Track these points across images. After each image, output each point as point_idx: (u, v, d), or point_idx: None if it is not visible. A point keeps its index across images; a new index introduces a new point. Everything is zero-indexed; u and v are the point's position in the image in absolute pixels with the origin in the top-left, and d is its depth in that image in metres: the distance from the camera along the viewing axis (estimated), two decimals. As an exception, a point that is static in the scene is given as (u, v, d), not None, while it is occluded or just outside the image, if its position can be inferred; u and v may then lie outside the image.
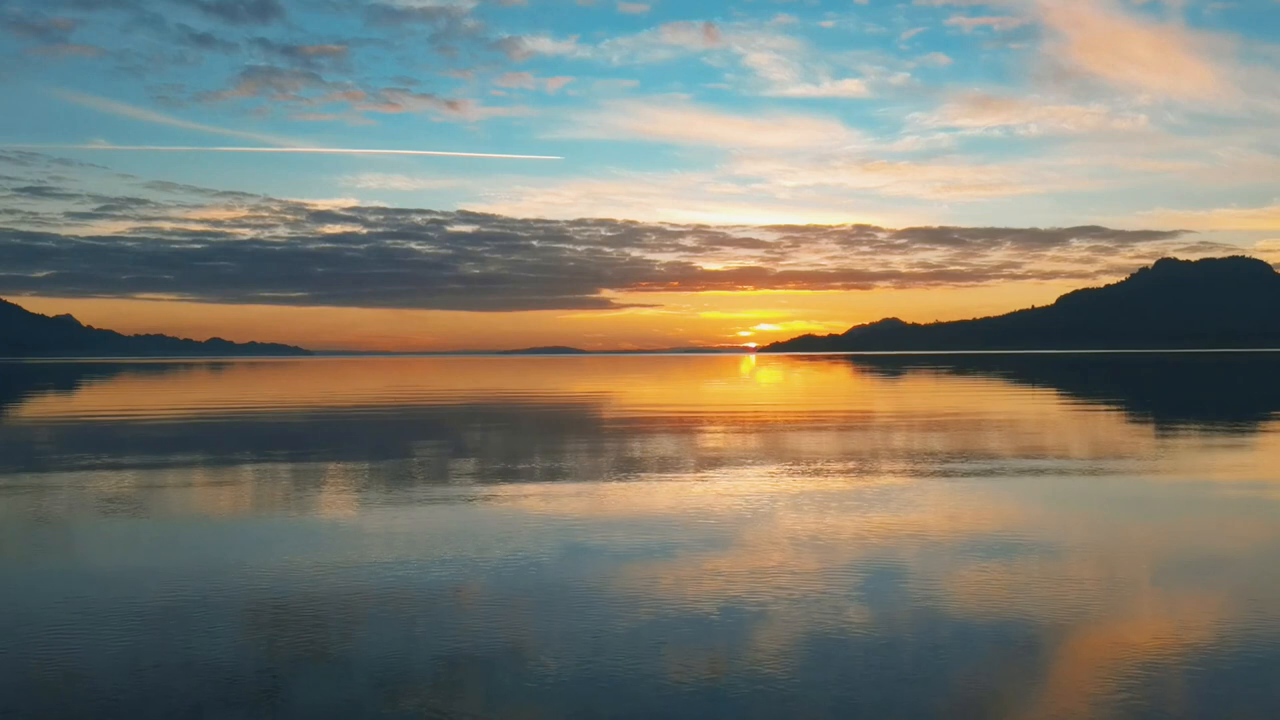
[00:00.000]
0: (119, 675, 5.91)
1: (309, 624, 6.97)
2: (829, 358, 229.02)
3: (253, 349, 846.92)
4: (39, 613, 7.32)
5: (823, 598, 7.52)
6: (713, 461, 16.46)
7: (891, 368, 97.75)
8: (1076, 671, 5.87)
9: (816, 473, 14.79)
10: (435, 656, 6.25)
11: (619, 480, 14.18)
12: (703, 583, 8.03)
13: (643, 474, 14.86)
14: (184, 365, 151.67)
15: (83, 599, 7.68)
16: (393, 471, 15.49)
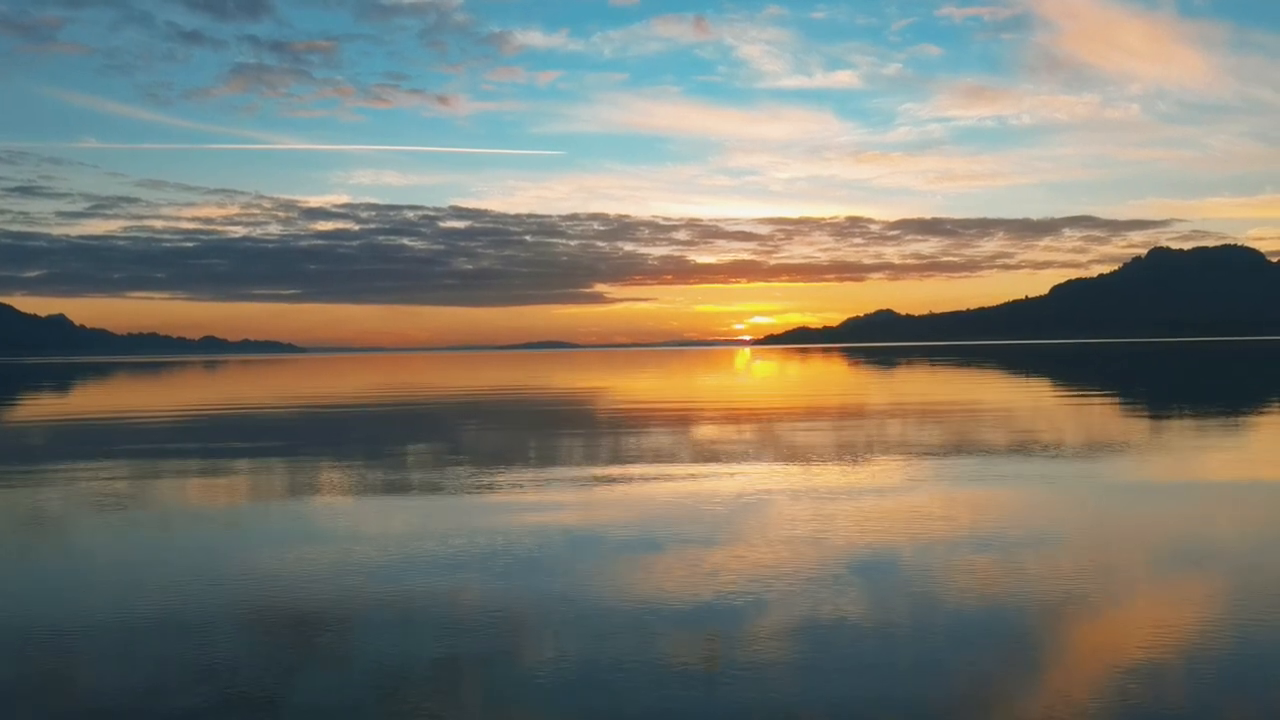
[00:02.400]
0: (119, 675, 5.87)
1: (308, 621, 6.92)
2: (824, 350, 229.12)
3: (246, 347, 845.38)
4: (37, 613, 7.27)
5: (822, 590, 7.49)
6: (711, 455, 16.42)
7: (887, 360, 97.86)
8: (1075, 661, 5.85)
9: (816, 466, 14.76)
10: (435, 653, 6.22)
11: (618, 475, 14.14)
12: (702, 575, 7.99)
13: (642, 469, 14.82)
14: (178, 364, 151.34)
15: (81, 599, 7.63)
16: (391, 469, 15.43)
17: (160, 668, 6.00)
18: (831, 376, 56.90)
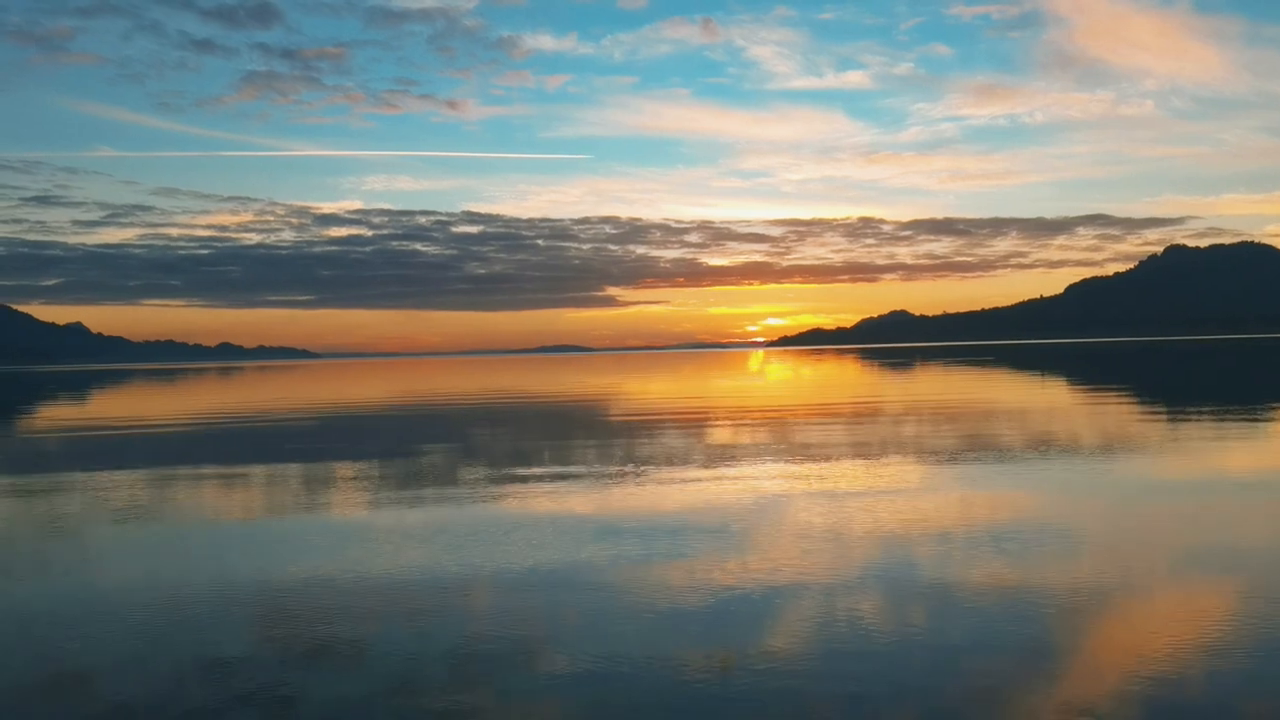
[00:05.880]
0: (131, 679, 5.88)
1: (322, 625, 6.92)
2: (838, 351, 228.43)
3: (261, 353, 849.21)
4: (50, 617, 7.29)
5: (837, 590, 7.45)
6: (732, 457, 16.36)
7: (903, 361, 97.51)
8: (1092, 661, 5.80)
9: (832, 467, 14.69)
10: (449, 654, 6.23)
11: (639, 477, 14.09)
12: (717, 575, 7.97)
13: (664, 471, 14.77)
14: (195, 370, 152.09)
15: (95, 602, 7.65)
16: (408, 473, 15.43)
17: (174, 672, 6.00)
18: (848, 378, 56.69)
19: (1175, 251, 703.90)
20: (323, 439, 23.42)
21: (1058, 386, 39.00)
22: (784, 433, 20.87)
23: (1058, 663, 5.83)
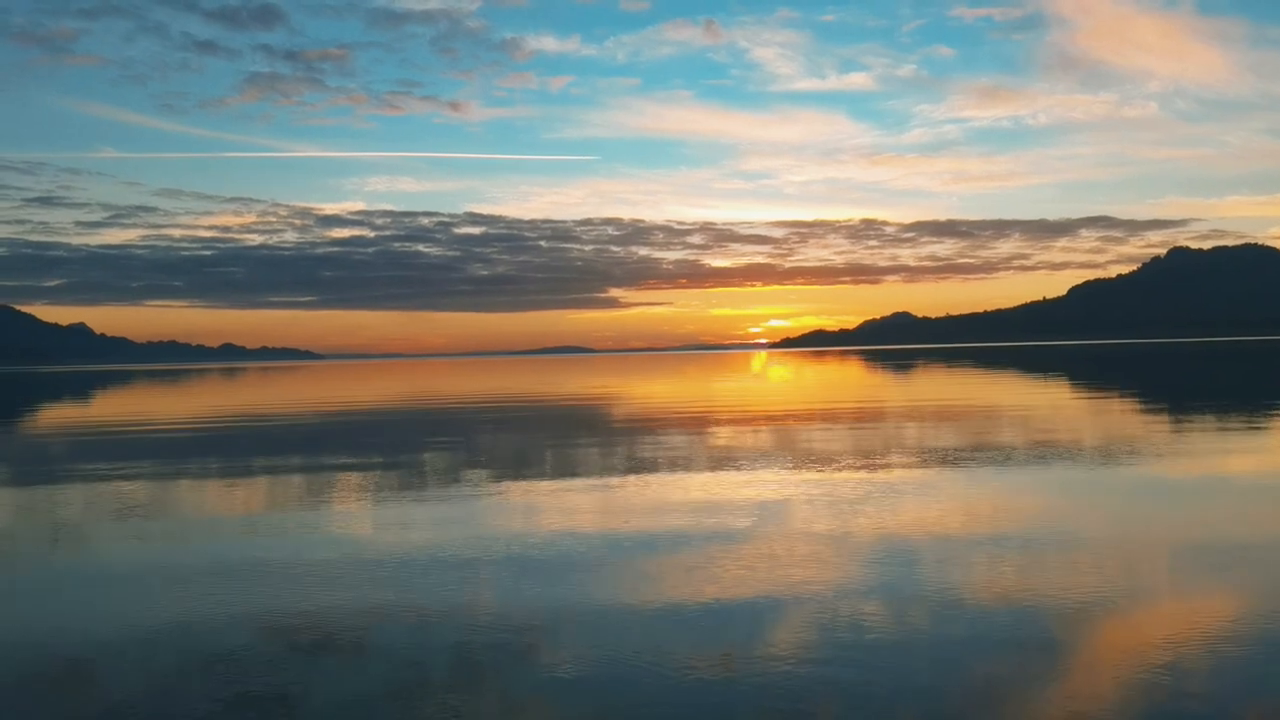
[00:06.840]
0: (135, 682, 5.86)
1: (322, 626, 6.90)
2: (841, 353, 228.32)
3: (264, 354, 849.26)
4: (55, 619, 7.27)
5: (840, 591, 7.43)
6: (738, 460, 16.33)
7: (906, 362, 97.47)
8: (1095, 663, 5.77)
9: (838, 468, 14.66)
10: (452, 655, 6.23)
11: (644, 480, 14.06)
12: (720, 577, 7.95)
13: (666, 473, 14.75)
14: (199, 371, 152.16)
15: (99, 604, 7.64)
16: (416, 474, 15.42)
17: (176, 676, 5.98)
18: (852, 380, 56.64)
19: (1178, 254, 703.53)
20: (331, 441, 23.40)
21: (1061, 389, 38.93)
22: (789, 435, 20.84)
23: (1059, 663, 5.79)
